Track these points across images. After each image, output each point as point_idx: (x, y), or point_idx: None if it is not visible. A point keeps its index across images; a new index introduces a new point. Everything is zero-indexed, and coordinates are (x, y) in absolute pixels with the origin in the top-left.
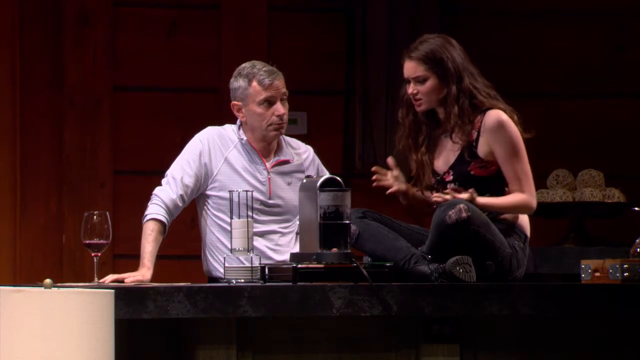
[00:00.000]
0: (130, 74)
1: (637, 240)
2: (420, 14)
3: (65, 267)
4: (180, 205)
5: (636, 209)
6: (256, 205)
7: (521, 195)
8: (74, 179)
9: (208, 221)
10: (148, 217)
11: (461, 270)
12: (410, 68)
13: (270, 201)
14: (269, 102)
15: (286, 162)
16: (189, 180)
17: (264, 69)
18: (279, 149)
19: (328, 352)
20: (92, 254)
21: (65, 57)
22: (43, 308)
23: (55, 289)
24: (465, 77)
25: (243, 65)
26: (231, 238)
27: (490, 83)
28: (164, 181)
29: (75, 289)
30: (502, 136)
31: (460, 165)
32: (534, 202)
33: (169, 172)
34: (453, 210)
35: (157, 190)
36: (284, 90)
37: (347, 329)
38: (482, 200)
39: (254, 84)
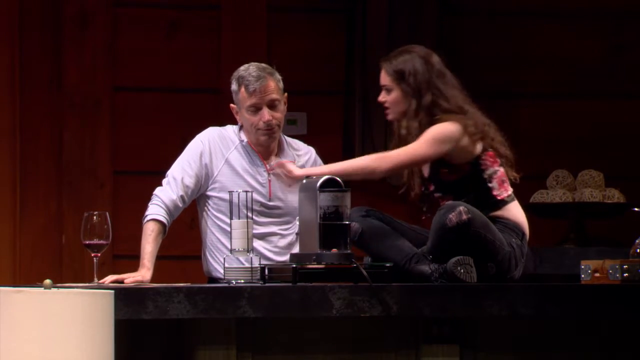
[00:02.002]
0: (129, 74)
1: (637, 241)
2: (420, 15)
3: (65, 268)
4: (181, 205)
5: (636, 209)
6: (256, 207)
7: (374, 154)
8: (74, 179)
9: (208, 222)
10: (148, 217)
11: (462, 271)
12: (382, 76)
13: (270, 203)
14: (256, 108)
15: None
16: (190, 181)
17: (253, 73)
18: (280, 150)
19: (328, 353)
20: (92, 255)
21: (64, 58)
22: (43, 308)
23: (55, 289)
24: (426, 95)
25: (241, 67)
26: (231, 238)
27: (466, 91)
28: (164, 181)
29: (75, 290)
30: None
31: (435, 174)
32: (380, 165)
33: (169, 173)
34: (453, 213)
35: (158, 191)
36: (273, 96)
37: (347, 329)
38: (315, 170)
39: (242, 89)
